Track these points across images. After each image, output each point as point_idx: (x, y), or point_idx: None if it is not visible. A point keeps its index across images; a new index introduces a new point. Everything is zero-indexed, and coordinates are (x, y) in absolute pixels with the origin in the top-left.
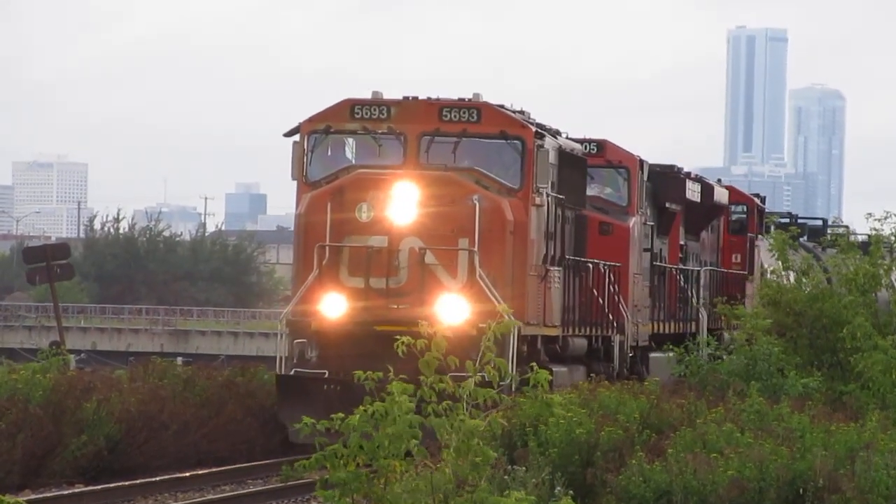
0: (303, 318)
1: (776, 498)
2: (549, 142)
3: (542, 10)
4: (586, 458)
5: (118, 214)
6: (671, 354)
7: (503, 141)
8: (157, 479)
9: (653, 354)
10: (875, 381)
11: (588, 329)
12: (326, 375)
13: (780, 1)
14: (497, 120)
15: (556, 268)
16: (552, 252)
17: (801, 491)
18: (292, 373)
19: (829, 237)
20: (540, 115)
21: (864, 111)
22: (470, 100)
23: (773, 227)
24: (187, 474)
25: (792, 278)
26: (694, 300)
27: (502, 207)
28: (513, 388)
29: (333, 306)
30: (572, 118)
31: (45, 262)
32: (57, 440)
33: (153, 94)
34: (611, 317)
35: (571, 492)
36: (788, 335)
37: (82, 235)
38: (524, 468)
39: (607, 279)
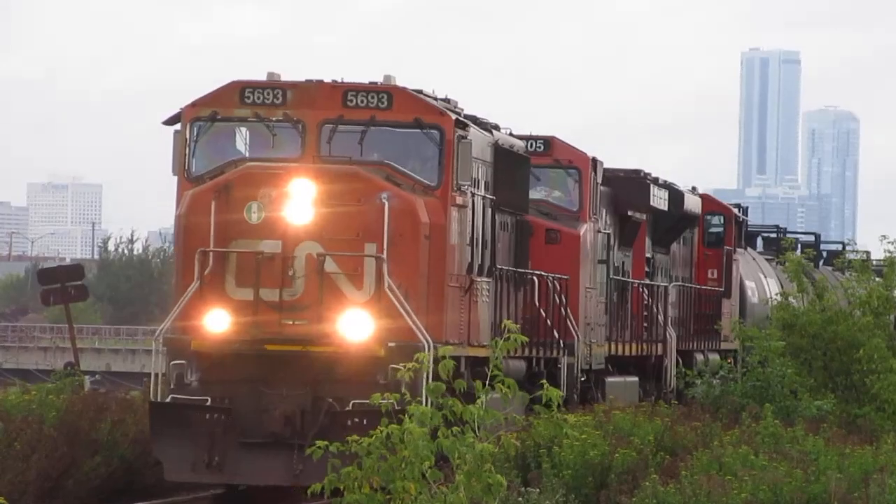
0: (181, 336)
1: None
2: (474, 133)
3: (555, 36)
4: (600, 481)
5: (132, 236)
6: (631, 379)
7: (418, 130)
8: (171, 499)
9: (610, 379)
10: (890, 404)
11: (528, 350)
12: (208, 403)
13: (793, 23)
14: (411, 106)
15: (485, 279)
16: (479, 260)
17: None
18: (168, 399)
19: (843, 260)
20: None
21: (878, 133)
22: (381, 84)
23: (759, 242)
24: (201, 495)
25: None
26: (660, 319)
27: (416, 207)
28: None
29: (217, 322)
30: (585, 139)
31: (60, 283)
32: (71, 461)
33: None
34: (558, 336)
35: None
36: (802, 357)
37: (97, 257)
38: (538, 490)
39: (553, 293)
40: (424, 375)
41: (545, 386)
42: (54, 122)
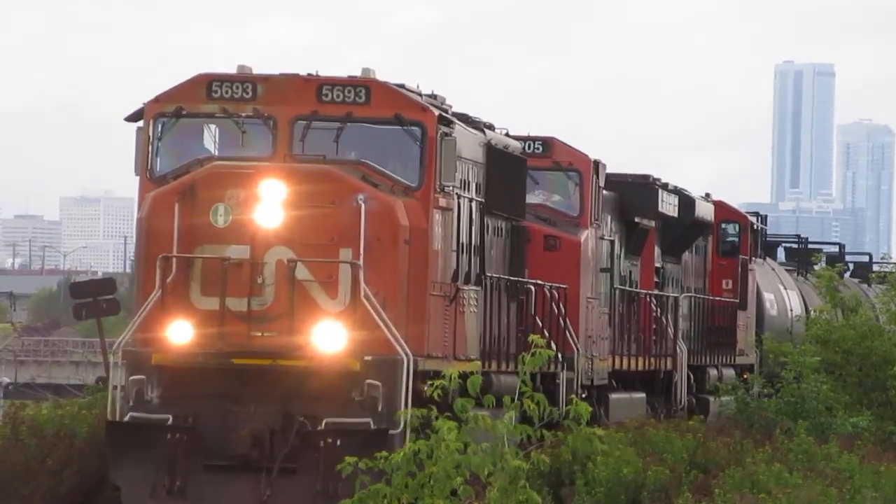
0: (141, 349)
1: None
2: (461, 131)
3: (588, 50)
4: (633, 498)
5: None
6: (638, 396)
7: (398, 127)
8: None
9: (614, 395)
10: None
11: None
12: (170, 422)
13: (828, 36)
14: (390, 101)
15: (473, 287)
16: (467, 267)
17: None
18: (127, 418)
19: (880, 274)
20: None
21: None
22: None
23: (780, 252)
24: None
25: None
26: (670, 331)
27: (394, 210)
28: (407, 433)
29: (180, 334)
30: (618, 154)
31: (92, 297)
32: (102, 477)
33: None
34: (556, 349)
35: None
36: (837, 373)
37: (128, 270)
38: None
39: (551, 304)
40: (403, 392)
41: (574, 401)
42: (87, 136)
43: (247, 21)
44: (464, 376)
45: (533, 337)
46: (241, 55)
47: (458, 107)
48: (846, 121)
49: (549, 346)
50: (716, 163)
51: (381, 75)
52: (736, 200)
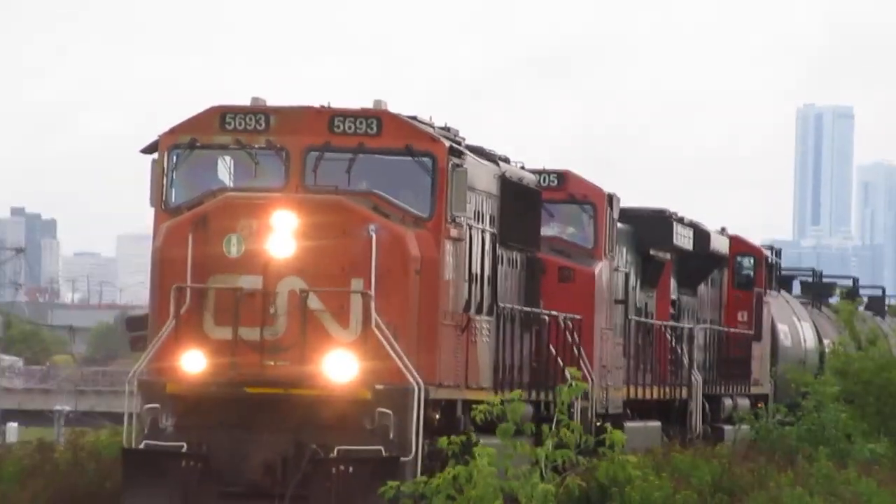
0: (156, 378)
1: None
2: (474, 163)
3: (626, 93)
4: None
5: None
6: (653, 424)
7: (409, 158)
8: None
9: (629, 424)
10: None
11: (536, 393)
12: (184, 450)
13: (847, 80)
14: (401, 132)
15: (486, 317)
16: (479, 298)
17: None
18: (142, 446)
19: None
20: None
21: None
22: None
23: (797, 284)
24: None
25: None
26: (685, 361)
27: (405, 240)
28: (419, 462)
29: (194, 363)
30: (645, 192)
31: (146, 330)
32: None
33: None
34: (570, 378)
35: None
36: (856, 402)
37: None
38: None
39: (565, 334)
40: (414, 420)
41: (608, 429)
42: (144, 177)
43: (295, 65)
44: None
45: (570, 370)
46: (290, 98)
47: (493, 145)
48: (865, 161)
49: (563, 376)
50: (740, 200)
51: (420, 114)
52: (759, 236)
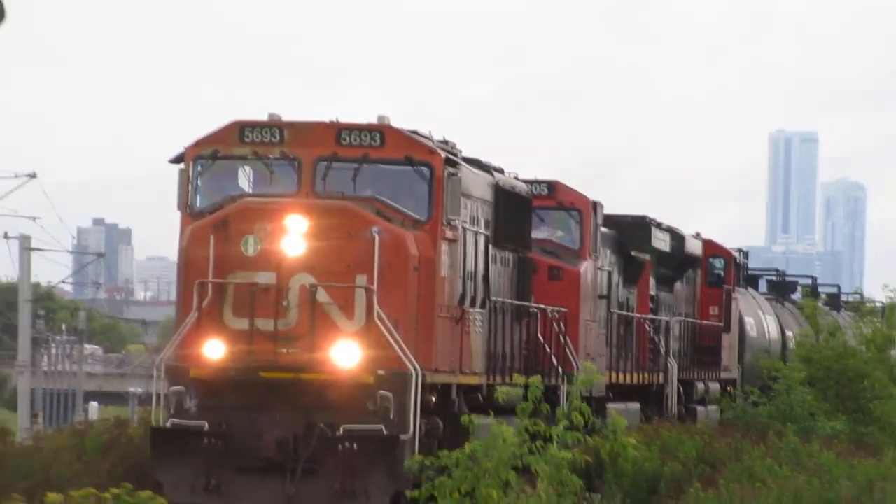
0: (181, 364)
1: None
2: (467, 172)
3: (622, 118)
4: (652, 488)
5: None
6: (633, 406)
7: (409, 167)
8: None
9: (611, 405)
10: (891, 425)
11: (526, 378)
12: (206, 428)
13: (812, 109)
14: (402, 144)
15: (479, 310)
16: (473, 292)
17: None
18: (168, 424)
19: (855, 304)
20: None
21: (882, 201)
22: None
23: (763, 282)
24: None
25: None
26: (662, 350)
27: (405, 241)
28: (416, 440)
29: (214, 350)
30: (639, 202)
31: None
32: None
33: None
34: (557, 365)
35: None
36: (819, 386)
37: None
38: (599, 495)
39: (553, 325)
40: (412, 402)
41: (612, 415)
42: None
43: (333, 91)
44: (471, 388)
45: (585, 364)
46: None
47: (502, 162)
48: (827, 179)
49: (551, 363)
50: (721, 211)
51: (443, 134)
52: (737, 243)
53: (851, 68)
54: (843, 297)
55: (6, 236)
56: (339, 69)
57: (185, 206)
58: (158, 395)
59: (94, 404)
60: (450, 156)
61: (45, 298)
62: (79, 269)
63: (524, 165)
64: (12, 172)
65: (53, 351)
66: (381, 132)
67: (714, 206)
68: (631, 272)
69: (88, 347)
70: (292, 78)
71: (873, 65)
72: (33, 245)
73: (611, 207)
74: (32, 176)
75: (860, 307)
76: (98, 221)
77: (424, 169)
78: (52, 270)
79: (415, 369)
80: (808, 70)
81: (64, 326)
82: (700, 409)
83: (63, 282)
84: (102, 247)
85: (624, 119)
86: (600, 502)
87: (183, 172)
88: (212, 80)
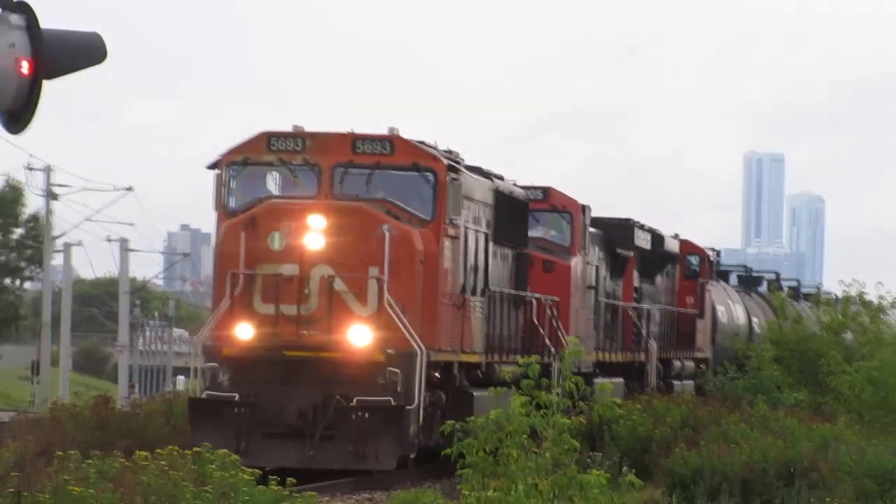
0: (216, 343)
1: (774, 475)
2: (469, 178)
3: (627, 139)
4: (645, 448)
5: None
6: (617, 380)
7: (415, 173)
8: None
9: (598, 380)
10: (843, 396)
11: (522, 356)
12: (236, 399)
13: (780, 134)
14: (410, 152)
15: (479, 298)
16: (473, 283)
17: (791, 470)
18: (204, 396)
19: (817, 296)
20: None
21: (839, 210)
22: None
23: (734, 276)
24: None
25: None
26: (644, 333)
27: (412, 237)
28: (420, 410)
29: (245, 332)
30: (639, 210)
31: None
32: None
33: None
34: (550, 345)
35: (634, 471)
36: (785, 364)
37: None
38: (600, 454)
39: (547, 311)
40: (418, 377)
41: (599, 383)
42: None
43: (383, 115)
44: (471, 365)
45: (569, 338)
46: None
47: (519, 174)
48: (793, 192)
49: (545, 344)
50: (705, 218)
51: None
52: (717, 245)
53: (813, 101)
54: (803, 291)
55: (108, 239)
56: (397, 103)
57: (220, 206)
58: (196, 370)
59: (181, 378)
60: (452, 163)
61: (140, 291)
62: (168, 267)
63: (539, 177)
64: (112, 186)
65: (147, 334)
66: (391, 142)
67: (699, 215)
68: (617, 267)
69: (176, 331)
70: (348, 112)
71: (830, 98)
72: (131, 247)
73: (609, 211)
74: (129, 189)
75: (817, 298)
76: (185, 227)
77: (429, 174)
78: (147, 268)
79: (420, 349)
80: (777, 102)
81: (156, 314)
82: (676, 383)
83: (155, 277)
84: (188, 248)
85: (624, 142)
86: (601, 460)
87: (218, 177)
88: (282, 113)
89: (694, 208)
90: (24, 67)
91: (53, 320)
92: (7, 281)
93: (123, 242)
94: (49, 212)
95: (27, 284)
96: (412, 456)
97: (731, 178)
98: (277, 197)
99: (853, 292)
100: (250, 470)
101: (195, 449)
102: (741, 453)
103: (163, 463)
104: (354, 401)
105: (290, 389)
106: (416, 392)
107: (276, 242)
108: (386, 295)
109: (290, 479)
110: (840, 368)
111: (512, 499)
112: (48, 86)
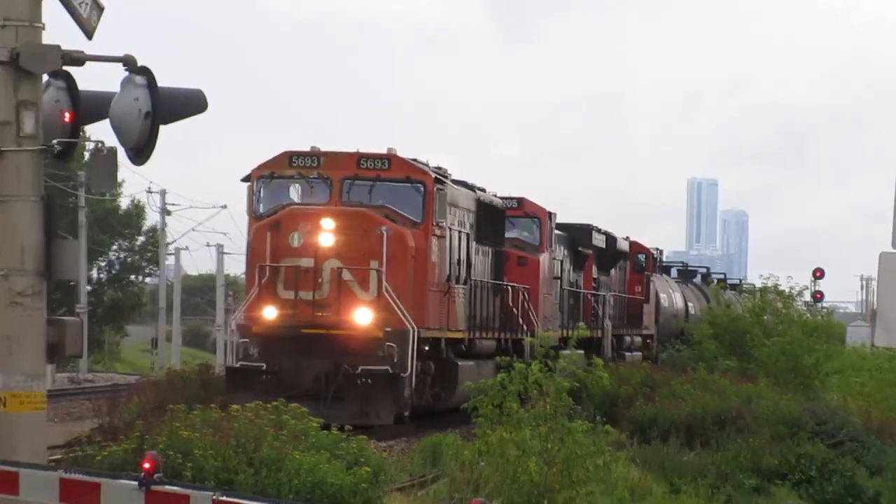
0: (247, 323)
1: (711, 422)
2: (453, 188)
3: (597, 164)
4: (612, 402)
5: None
6: (579, 352)
7: (408, 184)
8: None
9: (563, 352)
10: (763, 363)
11: (497, 333)
12: (264, 368)
13: (716, 162)
14: (404, 168)
15: (462, 286)
16: (457, 274)
17: (723, 418)
18: (238, 365)
19: (742, 287)
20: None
21: (759, 222)
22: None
23: (674, 271)
24: None
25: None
26: (601, 314)
27: (405, 236)
28: (413, 377)
29: (270, 313)
30: (606, 221)
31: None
32: None
33: None
34: (523, 324)
35: (605, 420)
36: (720, 339)
37: None
38: (579, 407)
39: (520, 297)
40: (410, 350)
41: (594, 359)
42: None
43: (417, 148)
44: (455, 341)
45: (581, 325)
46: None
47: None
48: (725, 208)
49: (518, 323)
50: (657, 228)
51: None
52: (666, 248)
53: (741, 138)
54: (729, 282)
55: (208, 245)
56: (418, 137)
57: (251, 211)
58: (232, 344)
59: None
60: (439, 176)
61: (232, 284)
62: None
63: (529, 194)
64: (212, 204)
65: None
66: (389, 159)
67: (652, 225)
68: (578, 262)
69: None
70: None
71: (754, 133)
72: (225, 250)
73: (577, 218)
74: (224, 207)
75: (741, 288)
76: None
77: (420, 185)
78: (237, 266)
79: (412, 327)
80: (715, 138)
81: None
82: (627, 354)
83: (243, 274)
84: None
85: (599, 169)
86: (581, 412)
87: (250, 188)
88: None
89: (649, 220)
90: (146, 116)
91: (167, 307)
92: (132, 277)
93: (219, 247)
94: (164, 224)
95: (147, 280)
96: (406, 413)
97: (677, 197)
98: (297, 204)
99: (770, 284)
100: (316, 419)
101: (273, 403)
102: (686, 406)
103: (249, 414)
104: (359, 369)
105: (307, 360)
106: (409, 362)
107: (296, 240)
108: (384, 283)
109: (347, 426)
110: (761, 342)
111: (518, 437)
112: (163, 129)
